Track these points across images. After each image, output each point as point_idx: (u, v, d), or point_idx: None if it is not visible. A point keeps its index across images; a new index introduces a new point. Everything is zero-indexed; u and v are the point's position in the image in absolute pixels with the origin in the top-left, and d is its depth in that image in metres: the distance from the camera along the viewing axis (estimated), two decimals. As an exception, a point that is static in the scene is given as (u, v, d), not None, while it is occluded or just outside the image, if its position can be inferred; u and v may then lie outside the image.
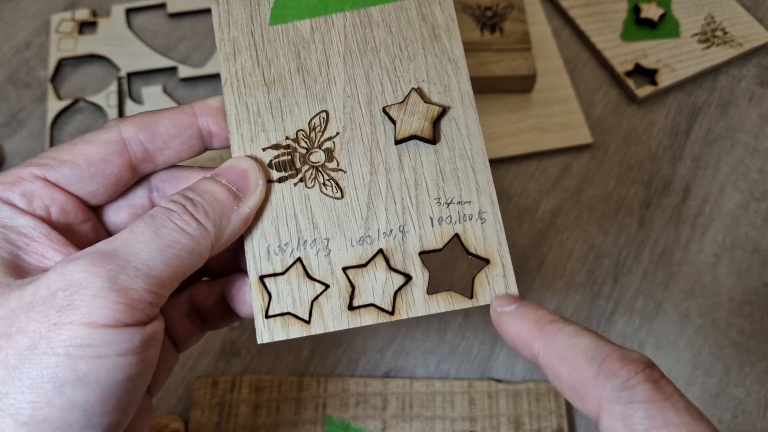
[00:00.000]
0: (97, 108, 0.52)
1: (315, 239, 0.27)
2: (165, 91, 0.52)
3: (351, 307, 0.26)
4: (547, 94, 0.52)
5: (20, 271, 0.24)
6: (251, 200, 0.27)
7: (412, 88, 0.28)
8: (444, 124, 0.28)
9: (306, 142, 0.28)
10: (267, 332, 0.26)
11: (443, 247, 0.27)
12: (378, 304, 0.26)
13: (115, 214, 0.29)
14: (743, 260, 0.46)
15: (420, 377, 0.42)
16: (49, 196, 0.27)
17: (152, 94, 0.52)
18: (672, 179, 0.49)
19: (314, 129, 0.28)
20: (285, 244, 0.27)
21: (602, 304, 0.45)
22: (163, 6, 0.57)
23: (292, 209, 0.27)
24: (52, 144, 0.50)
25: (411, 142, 0.28)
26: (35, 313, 0.22)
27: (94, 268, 0.23)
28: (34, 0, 0.57)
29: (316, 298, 0.26)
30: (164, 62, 0.53)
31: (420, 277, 0.27)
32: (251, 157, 0.28)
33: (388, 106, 0.28)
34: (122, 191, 0.29)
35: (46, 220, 0.26)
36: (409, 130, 0.28)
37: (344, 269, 0.27)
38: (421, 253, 0.27)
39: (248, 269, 0.27)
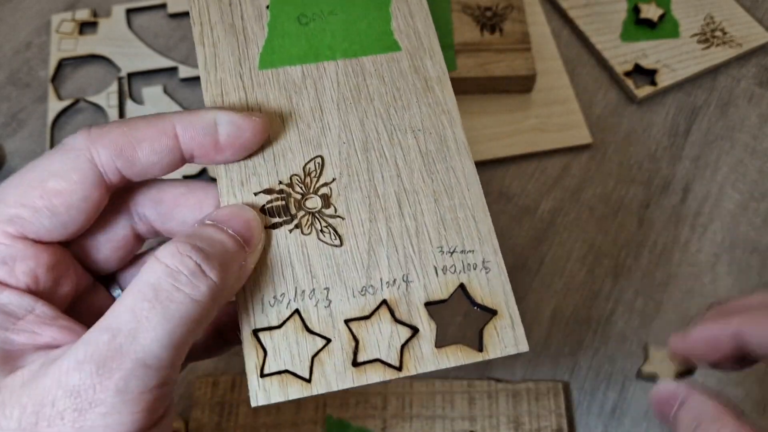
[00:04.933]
0: (98, 108, 0.52)
1: (314, 289, 0.25)
2: (165, 91, 0.52)
3: (355, 363, 0.24)
4: (546, 94, 0.52)
5: (9, 358, 0.22)
6: (255, 254, 0.25)
7: None
8: (442, 172, 0.28)
9: (301, 188, 0.27)
10: (263, 393, 0.24)
11: (449, 297, 0.26)
12: (384, 359, 0.25)
13: (96, 251, 0.26)
14: (742, 260, 0.46)
15: (420, 377, 0.42)
16: (33, 258, 0.23)
17: (153, 94, 0.52)
18: (671, 179, 0.49)
19: (309, 174, 0.27)
20: (281, 295, 0.25)
21: (602, 303, 0.45)
22: (163, 6, 0.57)
23: (288, 257, 0.26)
24: (52, 144, 0.50)
25: (405, 177, 0.27)
26: None
27: (101, 379, 0.20)
28: (34, 0, 0.57)
29: (316, 354, 0.24)
30: (165, 62, 0.54)
31: (427, 329, 0.25)
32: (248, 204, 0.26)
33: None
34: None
35: (32, 290, 0.23)
36: None
37: (346, 322, 0.25)
38: (426, 304, 0.26)
39: (240, 323, 0.25)
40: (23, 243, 0.23)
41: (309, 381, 0.24)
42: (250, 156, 0.27)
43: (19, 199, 0.23)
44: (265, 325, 0.25)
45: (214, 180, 0.27)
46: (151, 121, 0.25)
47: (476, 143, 0.50)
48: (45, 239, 0.24)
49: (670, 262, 0.46)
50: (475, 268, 0.26)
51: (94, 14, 0.56)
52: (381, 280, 0.26)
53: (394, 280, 0.26)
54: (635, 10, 0.55)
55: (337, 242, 0.26)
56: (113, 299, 0.27)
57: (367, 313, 0.25)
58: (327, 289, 0.25)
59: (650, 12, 0.55)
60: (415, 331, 0.25)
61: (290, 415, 0.40)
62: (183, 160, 0.26)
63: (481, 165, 0.50)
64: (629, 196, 0.49)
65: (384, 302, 0.25)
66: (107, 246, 0.26)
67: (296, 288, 0.25)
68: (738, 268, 0.46)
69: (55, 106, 0.51)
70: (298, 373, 0.24)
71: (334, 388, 0.24)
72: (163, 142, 0.25)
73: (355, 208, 0.27)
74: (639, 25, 0.55)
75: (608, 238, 0.47)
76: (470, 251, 0.27)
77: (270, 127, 0.27)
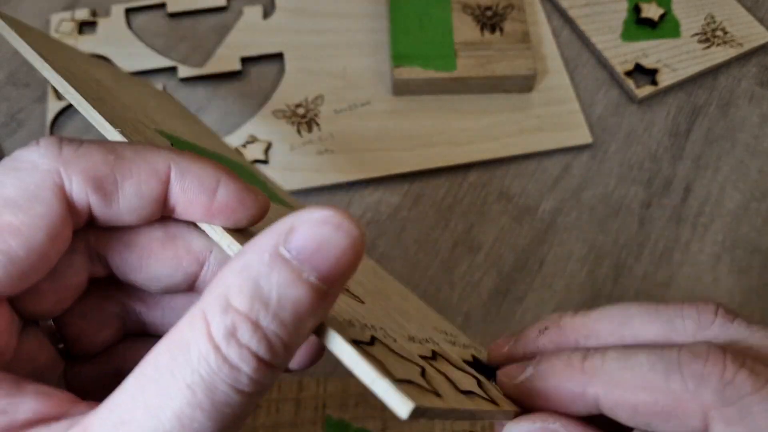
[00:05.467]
0: (97, 108, 0.52)
1: (373, 325, 0.21)
2: (165, 91, 0.52)
3: (460, 390, 0.21)
4: (547, 94, 0.52)
5: None
6: (336, 296, 0.17)
7: None
8: (388, 280, 0.30)
9: None
10: (417, 393, 0.18)
11: (472, 361, 0.25)
12: (478, 392, 0.21)
13: (37, 301, 0.20)
14: (743, 260, 0.46)
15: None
16: None
17: (152, 94, 0.52)
18: (672, 179, 0.49)
19: None
20: (350, 320, 0.21)
21: (602, 304, 0.45)
22: (162, 6, 0.57)
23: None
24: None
25: (367, 281, 0.27)
26: None
27: None
28: (33, 0, 0.57)
29: (423, 374, 0.20)
30: (164, 62, 0.53)
31: (483, 378, 0.23)
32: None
33: None
34: None
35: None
36: None
37: (421, 357, 0.21)
38: (465, 362, 0.24)
39: (327, 333, 0.18)
40: None
41: (439, 395, 0.19)
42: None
43: None
44: (359, 338, 0.20)
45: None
46: (141, 153, 0.19)
47: (476, 143, 0.50)
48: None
49: (670, 263, 0.46)
50: (468, 347, 0.27)
51: (94, 14, 0.56)
52: (416, 336, 0.24)
53: (426, 339, 0.24)
54: (636, 9, 0.55)
55: (360, 300, 0.24)
56: (41, 335, 0.21)
57: (429, 354, 0.22)
58: (383, 328, 0.22)
59: (651, 11, 0.54)
60: (476, 377, 0.23)
61: (289, 416, 0.40)
62: (160, 213, 0.20)
63: (481, 165, 0.50)
64: (630, 196, 0.49)
65: (434, 352, 0.23)
66: (53, 296, 0.20)
67: (358, 320, 0.21)
68: (739, 269, 0.46)
69: (54, 105, 0.51)
70: (423, 385, 0.19)
71: (466, 406, 0.20)
72: (152, 185, 0.19)
73: (348, 285, 0.24)
74: (639, 25, 0.55)
75: (609, 238, 0.47)
76: (456, 335, 0.28)
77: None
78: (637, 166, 0.50)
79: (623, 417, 0.20)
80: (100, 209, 0.19)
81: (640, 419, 0.19)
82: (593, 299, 0.45)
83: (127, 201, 0.19)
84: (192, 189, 0.19)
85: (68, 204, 0.18)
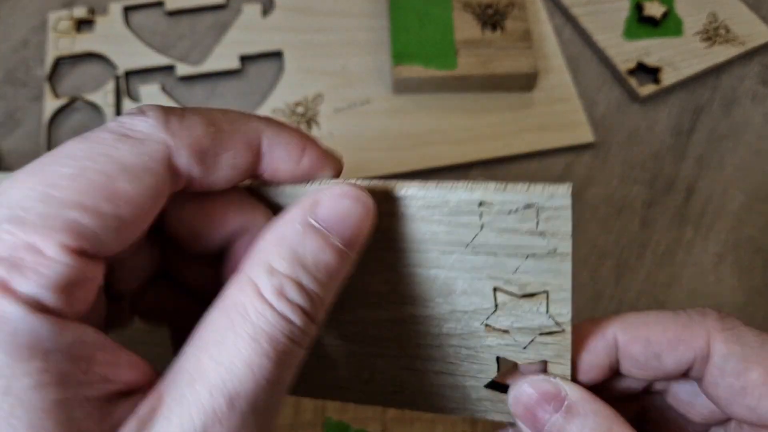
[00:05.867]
0: (95, 107, 0.51)
1: None
2: (163, 89, 0.52)
3: None
4: (548, 92, 0.52)
5: (103, 412, 0.17)
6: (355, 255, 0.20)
7: None
8: None
9: None
10: None
11: None
12: None
13: (120, 272, 0.21)
14: (746, 260, 0.46)
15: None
16: (92, 281, 0.18)
17: (150, 92, 0.52)
18: (675, 179, 0.49)
19: None
20: None
21: (604, 304, 0.45)
22: (161, 4, 0.56)
23: None
24: (49, 144, 0.50)
25: None
26: None
27: None
28: (31, -2, 0.57)
29: None
30: (162, 60, 0.53)
31: None
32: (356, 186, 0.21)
33: None
34: None
35: (85, 320, 0.18)
36: None
37: None
38: None
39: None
40: (81, 261, 0.17)
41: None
42: None
43: (79, 197, 0.17)
44: None
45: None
46: (235, 123, 0.20)
47: (477, 142, 0.49)
48: (101, 256, 0.18)
49: (673, 263, 0.46)
50: None
51: (92, 12, 0.55)
52: None
53: None
54: (638, 7, 0.55)
55: None
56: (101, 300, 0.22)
57: None
58: None
59: (653, 9, 0.54)
60: None
61: (289, 418, 0.40)
62: (246, 179, 0.21)
63: (483, 164, 0.49)
64: (632, 195, 0.48)
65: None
66: (127, 262, 0.21)
67: None
68: (741, 269, 0.46)
69: (51, 104, 0.51)
70: None
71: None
72: (246, 157, 0.20)
73: None
74: (642, 23, 0.54)
75: (611, 238, 0.47)
76: None
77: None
78: (640, 166, 0.49)
79: (637, 352, 0.23)
80: (198, 180, 0.20)
81: (651, 350, 0.23)
82: (595, 299, 0.45)
83: (223, 172, 0.20)
84: (281, 159, 0.21)
85: (173, 175, 0.19)
